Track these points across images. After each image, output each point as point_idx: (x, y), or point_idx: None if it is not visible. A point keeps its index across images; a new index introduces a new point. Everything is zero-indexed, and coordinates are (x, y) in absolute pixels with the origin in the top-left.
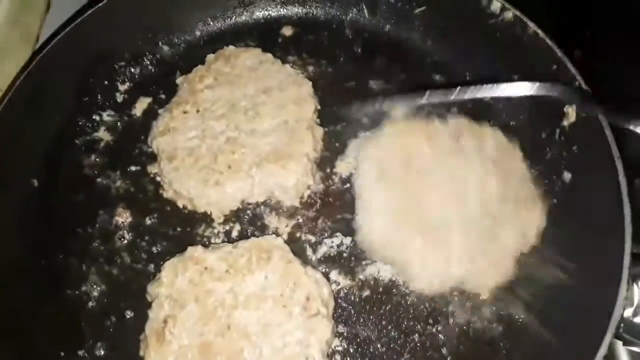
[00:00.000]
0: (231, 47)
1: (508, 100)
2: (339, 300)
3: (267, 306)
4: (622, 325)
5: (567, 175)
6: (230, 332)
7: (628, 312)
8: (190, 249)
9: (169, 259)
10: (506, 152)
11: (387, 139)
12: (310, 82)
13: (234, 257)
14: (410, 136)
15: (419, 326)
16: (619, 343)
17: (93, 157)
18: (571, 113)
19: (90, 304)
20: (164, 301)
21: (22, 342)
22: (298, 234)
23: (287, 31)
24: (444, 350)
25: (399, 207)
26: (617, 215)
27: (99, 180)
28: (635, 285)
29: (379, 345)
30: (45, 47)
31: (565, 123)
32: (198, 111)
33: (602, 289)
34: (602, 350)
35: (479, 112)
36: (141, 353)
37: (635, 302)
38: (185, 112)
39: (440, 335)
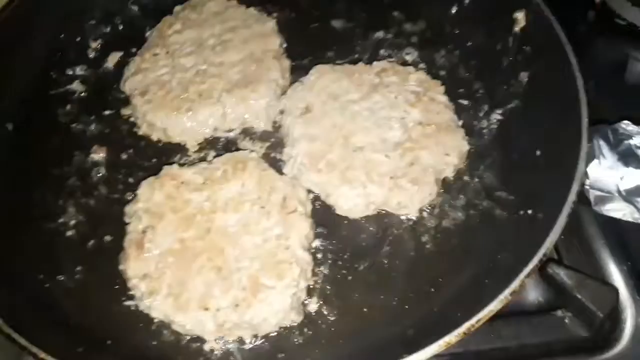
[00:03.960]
0: None
1: (462, 22)
2: (315, 204)
3: (245, 208)
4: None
5: (523, 76)
6: (210, 235)
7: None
8: (165, 167)
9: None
10: (428, 85)
11: (312, 79)
12: (274, 20)
13: (209, 170)
14: (335, 75)
15: (395, 221)
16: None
17: (68, 107)
18: (520, 17)
19: (68, 233)
20: (141, 214)
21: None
22: (272, 154)
23: None
24: (424, 238)
25: (322, 134)
26: (573, 89)
27: (73, 125)
28: (594, 140)
29: (358, 240)
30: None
31: (517, 28)
32: (167, 52)
33: (566, 152)
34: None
35: (437, 39)
36: (121, 267)
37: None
38: (155, 55)
39: (417, 227)
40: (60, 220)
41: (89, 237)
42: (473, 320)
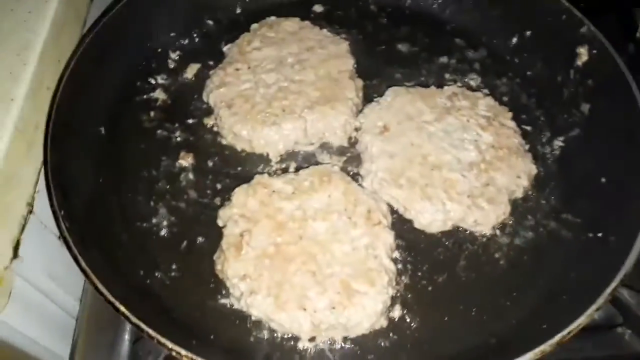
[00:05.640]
0: (272, 17)
1: (522, 52)
2: (392, 217)
3: (334, 218)
4: None
5: (585, 107)
6: (302, 241)
7: None
8: (257, 176)
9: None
10: (497, 111)
11: (388, 100)
12: (347, 42)
13: (297, 181)
14: (410, 97)
15: (469, 237)
16: None
17: (152, 113)
18: (583, 52)
19: (161, 232)
20: (237, 219)
21: (106, 261)
22: (349, 168)
23: (318, 8)
24: (497, 254)
25: (400, 152)
26: (637, 124)
27: (158, 132)
28: None
29: (435, 254)
30: (105, 15)
31: (579, 62)
32: (249, 68)
33: (634, 181)
34: None
35: (499, 67)
36: (218, 267)
37: None
38: (237, 69)
39: (490, 243)
40: (153, 220)
41: (181, 237)
42: (565, 332)
